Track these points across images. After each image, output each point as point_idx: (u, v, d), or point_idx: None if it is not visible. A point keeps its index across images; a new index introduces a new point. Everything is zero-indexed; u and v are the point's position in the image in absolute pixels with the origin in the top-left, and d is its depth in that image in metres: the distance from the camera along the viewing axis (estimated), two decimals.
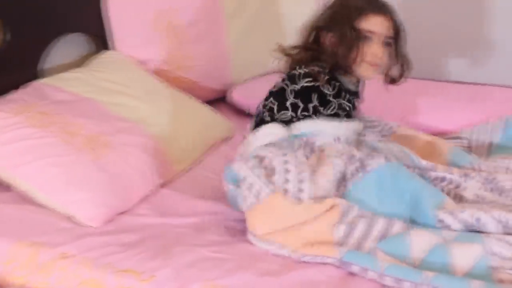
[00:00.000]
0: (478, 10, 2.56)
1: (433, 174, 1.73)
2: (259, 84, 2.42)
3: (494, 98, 2.32)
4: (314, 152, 1.67)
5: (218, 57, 2.42)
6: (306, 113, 1.71)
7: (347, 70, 1.77)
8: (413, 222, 1.55)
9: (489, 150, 1.99)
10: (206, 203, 1.77)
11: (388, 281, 1.38)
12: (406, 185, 1.59)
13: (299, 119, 1.71)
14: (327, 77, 1.73)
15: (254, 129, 1.75)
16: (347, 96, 1.80)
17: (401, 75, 1.85)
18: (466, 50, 2.63)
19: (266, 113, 1.74)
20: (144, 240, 1.58)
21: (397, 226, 1.50)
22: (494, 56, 2.57)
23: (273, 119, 1.72)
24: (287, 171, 1.58)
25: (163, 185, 1.87)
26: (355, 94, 1.86)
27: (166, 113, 2.03)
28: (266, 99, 1.76)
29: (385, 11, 1.75)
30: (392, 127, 2.03)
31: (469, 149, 2.01)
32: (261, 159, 1.62)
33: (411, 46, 1.86)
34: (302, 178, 1.57)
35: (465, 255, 1.40)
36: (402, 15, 1.81)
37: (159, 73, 2.28)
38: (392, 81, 1.86)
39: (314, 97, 1.72)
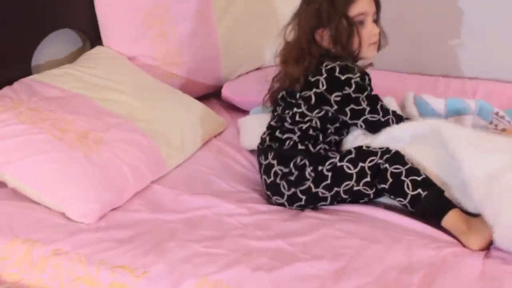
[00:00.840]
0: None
1: None
2: (250, 79, 2.44)
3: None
4: None
5: (209, 53, 2.41)
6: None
7: (356, 58, 1.81)
8: None
9: None
10: (198, 199, 1.78)
11: None
12: None
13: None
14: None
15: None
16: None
17: (382, 44, 1.90)
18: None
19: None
20: (137, 236, 1.59)
21: None
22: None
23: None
24: None
25: (155, 181, 1.88)
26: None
27: (158, 109, 2.03)
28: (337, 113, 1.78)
29: None
30: None
31: None
32: None
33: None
34: None
35: None
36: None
37: (150, 69, 2.28)
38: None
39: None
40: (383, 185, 1.65)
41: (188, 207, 1.74)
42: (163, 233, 1.60)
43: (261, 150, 1.83)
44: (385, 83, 2.49)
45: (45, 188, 1.69)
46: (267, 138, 1.83)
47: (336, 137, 1.83)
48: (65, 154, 1.72)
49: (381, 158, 1.65)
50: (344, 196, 1.70)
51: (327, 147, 1.80)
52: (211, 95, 2.49)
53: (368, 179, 1.66)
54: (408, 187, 1.61)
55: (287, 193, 1.73)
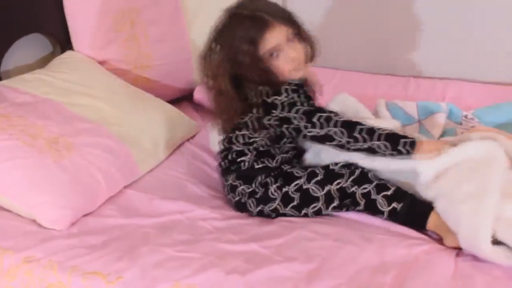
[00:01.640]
0: None
1: None
2: None
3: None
4: None
5: (181, 56, 2.41)
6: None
7: (282, 84, 1.73)
8: None
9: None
10: (171, 203, 1.77)
11: None
12: None
13: None
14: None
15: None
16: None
17: (313, 55, 1.83)
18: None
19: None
20: (110, 242, 1.58)
21: None
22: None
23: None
24: None
25: (128, 186, 1.87)
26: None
27: (129, 113, 2.02)
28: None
29: (273, 20, 1.69)
30: None
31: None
32: None
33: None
34: None
35: None
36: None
37: (121, 73, 2.27)
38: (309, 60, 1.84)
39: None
40: (358, 208, 1.65)
41: (162, 211, 1.74)
42: (136, 238, 1.59)
43: (222, 171, 1.81)
44: (357, 84, 2.52)
45: (15, 195, 1.67)
46: (225, 161, 1.79)
47: (292, 144, 1.80)
48: (35, 160, 1.70)
49: (347, 180, 1.64)
50: (314, 216, 1.70)
51: (285, 155, 1.78)
52: (183, 99, 2.48)
53: (336, 203, 1.66)
54: (381, 205, 1.62)
55: (255, 210, 1.72)
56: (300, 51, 1.76)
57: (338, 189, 1.65)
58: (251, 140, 1.75)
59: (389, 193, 1.62)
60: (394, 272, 1.43)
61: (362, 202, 1.64)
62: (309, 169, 1.70)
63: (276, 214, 1.71)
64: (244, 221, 1.70)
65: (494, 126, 1.93)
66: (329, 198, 1.66)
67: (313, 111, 1.68)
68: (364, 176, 1.65)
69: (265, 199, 1.70)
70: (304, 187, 1.67)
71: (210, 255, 1.50)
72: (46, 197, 1.66)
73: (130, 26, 2.29)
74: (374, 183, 1.63)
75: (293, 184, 1.68)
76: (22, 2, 2.12)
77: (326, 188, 1.66)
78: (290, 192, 1.68)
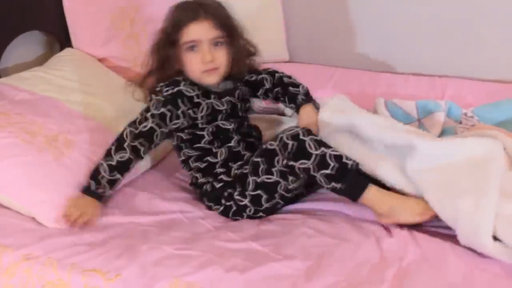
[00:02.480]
0: None
1: None
2: None
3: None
4: None
5: None
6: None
7: (192, 82, 1.75)
8: None
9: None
10: (170, 201, 1.78)
11: None
12: None
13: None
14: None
15: None
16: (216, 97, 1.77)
17: (250, 64, 1.85)
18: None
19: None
20: (109, 239, 1.58)
21: None
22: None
23: None
24: None
25: (127, 184, 1.87)
26: (229, 94, 1.80)
27: (129, 111, 2.02)
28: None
29: (205, 15, 1.71)
30: None
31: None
32: None
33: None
34: None
35: None
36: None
37: (121, 71, 2.27)
38: (250, 68, 1.87)
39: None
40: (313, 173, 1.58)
41: (160, 209, 1.74)
42: (135, 236, 1.59)
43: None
44: (356, 81, 2.52)
45: (15, 193, 1.67)
46: (193, 186, 1.83)
47: (217, 145, 1.77)
48: (34, 158, 1.70)
49: (284, 156, 1.60)
50: (288, 195, 1.69)
51: (223, 156, 1.75)
52: None
53: (292, 177, 1.62)
54: (329, 166, 1.56)
55: (245, 216, 1.72)
56: (221, 58, 1.75)
57: (284, 166, 1.61)
58: (185, 157, 1.79)
59: (328, 171, 1.57)
60: (394, 268, 1.43)
61: (311, 162, 1.57)
62: (250, 161, 1.68)
63: (263, 213, 1.71)
64: (243, 220, 1.71)
65: (494, 124, 1.93)
66: (283, 176, 1.63)
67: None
68: (300, 150, 1.59)
69: (241, 209, 1.71)
70: (259, 180, 1.65)
71: (209, 253, 1.50)
72: (45, 195, 1.66)
73: (130, 23, 2.29)
74: (313, 157, 1.57)
75: (249, 184, 1.67)
76: None
77: (275, 171, 1.62)
78: (253, 193, 1.67)
